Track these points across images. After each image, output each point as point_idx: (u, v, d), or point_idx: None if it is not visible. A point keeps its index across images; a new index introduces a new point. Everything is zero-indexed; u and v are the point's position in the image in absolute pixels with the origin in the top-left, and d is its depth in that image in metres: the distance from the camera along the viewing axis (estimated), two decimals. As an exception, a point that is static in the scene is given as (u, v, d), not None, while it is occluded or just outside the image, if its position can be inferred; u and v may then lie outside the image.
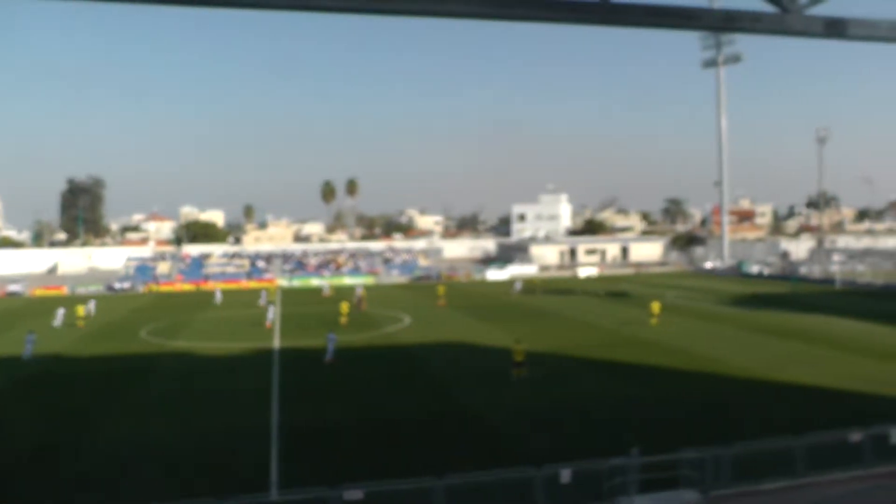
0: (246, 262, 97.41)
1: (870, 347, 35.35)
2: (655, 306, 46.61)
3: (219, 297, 67.88)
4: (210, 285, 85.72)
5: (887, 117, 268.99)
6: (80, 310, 51.27)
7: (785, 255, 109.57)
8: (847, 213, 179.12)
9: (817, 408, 24.25)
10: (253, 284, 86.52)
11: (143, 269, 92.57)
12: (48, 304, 62.50)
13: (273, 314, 50.16)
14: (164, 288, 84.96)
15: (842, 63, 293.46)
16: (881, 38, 5.01)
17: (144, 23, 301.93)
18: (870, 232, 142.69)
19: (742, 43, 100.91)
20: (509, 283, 78.63)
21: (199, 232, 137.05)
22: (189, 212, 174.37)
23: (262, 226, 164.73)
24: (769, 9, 4.88)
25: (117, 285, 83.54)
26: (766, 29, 4.93)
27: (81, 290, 79.91)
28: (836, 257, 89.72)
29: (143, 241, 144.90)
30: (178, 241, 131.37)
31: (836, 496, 16.37)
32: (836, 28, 4.95)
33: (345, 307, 50.34)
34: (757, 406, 24.94)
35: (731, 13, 4.80)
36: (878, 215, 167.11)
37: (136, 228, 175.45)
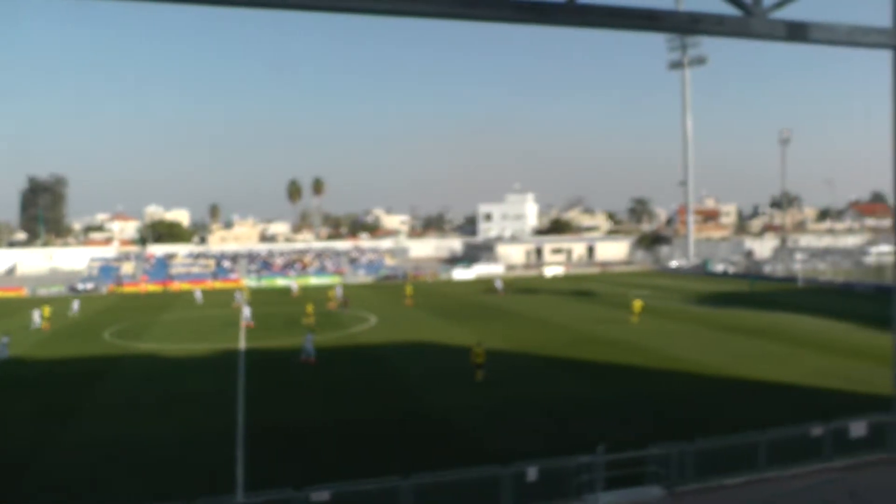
0: (211, 263, 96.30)
1: (830, 344, 36.09)
2: (637, 305, 47.12)
3: (199, 296, 67.59)
4: (175, 286, 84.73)
5: (847, 120, 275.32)
6: (47, 310, 50.67)
7: (749, 254, 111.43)
8: (809, 212, 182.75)
9: (779, 403, 24.71)
10: (218, 285, 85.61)
11: (107, 270, 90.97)
12: (8, 307, 61.17)
13: (250, 313, 49.55)
14: (129, 289, 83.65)
15: (803, 66, 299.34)
16: (839, 41, 5.12)
17: (107, 20, 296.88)
18: (830, 231, 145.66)
19: (707, 45, 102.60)
20: (489, 282, 78.68)
21: (164, 232, 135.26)
22: (154, 211, 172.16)
23: (228, 225, 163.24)
24: (733, 12, 4.95)
25: (80, 286, 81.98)
26: (729, 32, 5.01)
27: (42, 292, 78.30)
28: (798, 256, 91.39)
29: (107, 241, 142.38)
30: (142, 241, 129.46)
31: (795, 490, 16.70)
32: (797, 32, 5.05)
33: (310, 307, 50.14)
34: (721, 402, 25.32)
35: (696, 16, 4.87)
36: (839, 215, 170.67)
37: (99, 228, 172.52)
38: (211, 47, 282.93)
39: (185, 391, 28.75)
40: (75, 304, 58.94)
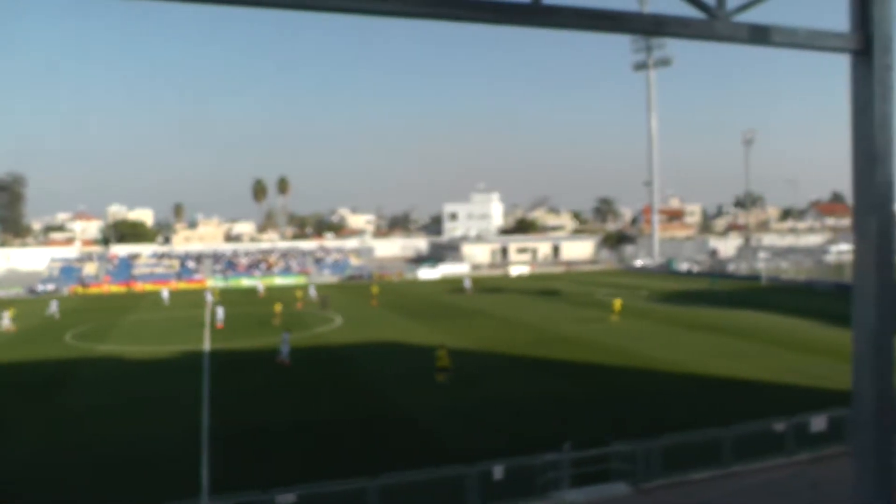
0: (176, 263, 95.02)
1: (792, 341, 36.77)
2: (616, 303, 47.55)
3: (166, 296, 66.67)
4: (139, 286, 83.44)
5: (809, 122, 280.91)
6: (12, 312, 49.86)
7: (713, 253, 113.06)
8: (772, 212, 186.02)
9: (743, 399, 25.11)
10: (183, 285, 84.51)
11: (68, 271, 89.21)
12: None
13: (223, 314, 48.76)
14: (91, 290, 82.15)
15: (766, 69, 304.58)
16: (800, 45, 5.19)
17: (68, 17, 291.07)
18: (793, 230, 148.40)
19: (672, 47, 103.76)
20: (455, 282, 78.67)
21: (127, 231, 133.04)
22: (117, 211, 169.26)
23: (192, 225, 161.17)
24: (697, 15, 4.99)
25: (40, 287, 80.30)
26: (694, 34, 5.05)
27: (0, 293, 76.56)
28: (761, 255, 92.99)
29: (69, 241, 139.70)
30: (105, 241, 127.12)
31: (759, 483, 16.98)
32: (759, 35, 5.11)
33: (279, 307, 49.78)
34: (686, 399, 25.65)
35: (661, 18, 4.90)
36: (801, 215, 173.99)
37: (60, 228, 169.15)
38: (175, 45, 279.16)
39: (149, 394, 28.30)
40: (53, 305, 57.41)
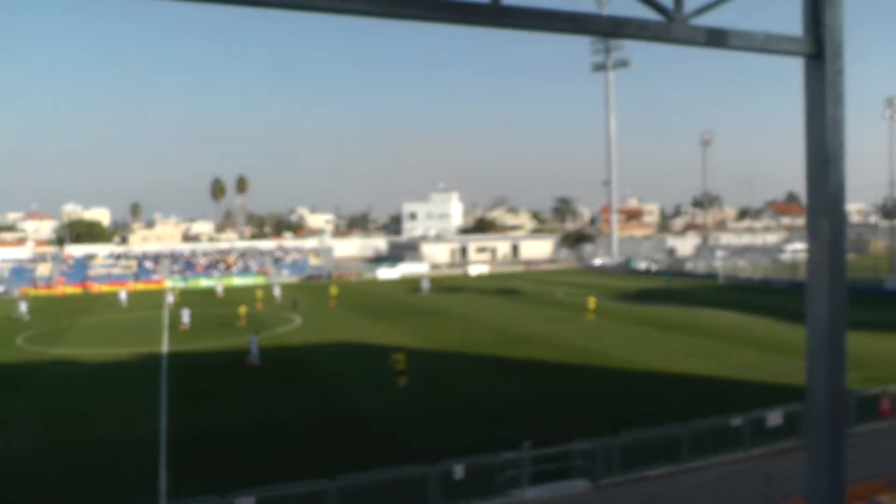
0: (133, 263, 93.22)
1: (748, 338, 37.48)
2: (591, 302, 47.83)
3: (124, 298, 64.76)
4: (95, 288, 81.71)
5: (765, 123, 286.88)
6: None
7: (671, 252, 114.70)
8: (729, 211, 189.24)
9: (700, 396, 25.51)
10: (140, 286, 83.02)
11: (20, 272, 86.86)
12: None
13: (188, 317, 47.27)
14: (45, 291, 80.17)
15: (724, 71, 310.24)
16: (756, 48, 5.26)
17: (22, 13, 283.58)
18: (749, 230, 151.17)
19: (631, 49, 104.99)
20: (414, 282, 78.42)
21: (82, 231, 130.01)
22: (72, 210, 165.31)
23: (150, 225, 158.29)
24: (655, 17, 5.03)
25: (-10, 289, 78.15)
26: (651, 36, 5.08)
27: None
28: (719, 254, 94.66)
29: (21, 241, 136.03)
30: (59, 241, 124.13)
31: (716, 478, 17.27)
32: (715, 38, 5.16)
33: (243, 309, 49.15)
34: (644, 397, 25.97)
35: (619, 20, 4.92)
36: (757, 214, 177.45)
37: (11, 228, 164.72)
38: (132, 42, 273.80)
39: (105, 398, 27.71)
40: (23, 306, 55.80)
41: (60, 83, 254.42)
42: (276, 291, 65.10)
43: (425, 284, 71.23)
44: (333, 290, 63.16)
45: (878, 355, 31.13)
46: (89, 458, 20.31)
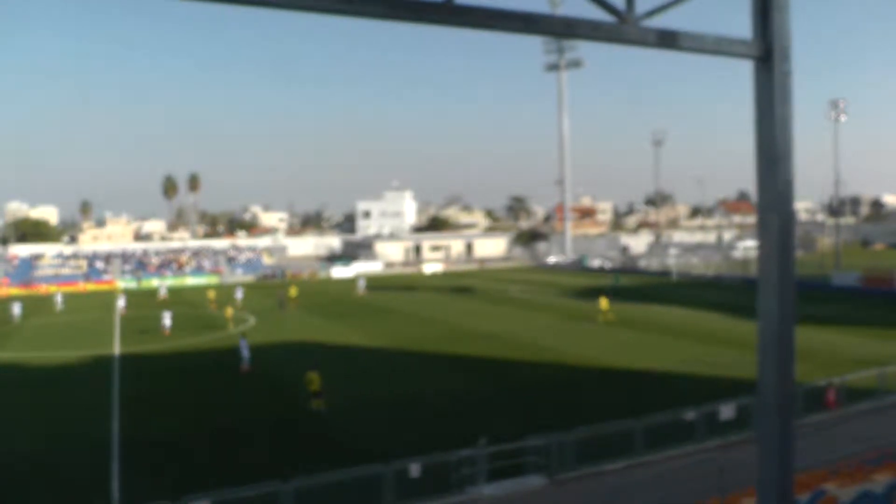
0: (83, 263, 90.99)
1: (700, 333, 38.21)
2: (604, 303, 45.49)
3: (59, 301, 61.72)
4: (42, 289, 79.45)
5: (716, 123, 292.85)
6: None
7: (625, 250, 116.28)
8: (681, 209, 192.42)
9: (654, 390, 25.92)
10: (91, 287, 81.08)
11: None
12: None
13: (170, 320, 44.43)
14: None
15: (675, 72, 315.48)
16: (707, 50, 5.35)
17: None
18: (702, 227, 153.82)
19: (584, 49, 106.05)
20: (354, 282, 77.76)
21: (28, 231, 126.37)
22: (17, 208, 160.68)
23: (100, 223, 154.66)
24: (607, 18, 5.08)
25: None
26: (604, 37, 5.13)
27: None
28: (671, 251, 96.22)
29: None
30: (3, 240, 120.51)
31: (670, 470, 17.56)
32: (667, 39, 5.23)
33: (229, 311, 47.76)
34: (597, 392, 26.30)
35: (571, 20, 4.95)
36: (709, 212, 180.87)
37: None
38: (85, 37, 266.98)
39: (54, 403, 26.96)
40: (16, 307, 53.47)
41: (2, 77, 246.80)
42: (238, 294, 62.60)
43: (361, 283, 70.27)
44: (293, 292, 61.32)
45: (825, 349, 32.04)
46: (39, 464, 19.66)
